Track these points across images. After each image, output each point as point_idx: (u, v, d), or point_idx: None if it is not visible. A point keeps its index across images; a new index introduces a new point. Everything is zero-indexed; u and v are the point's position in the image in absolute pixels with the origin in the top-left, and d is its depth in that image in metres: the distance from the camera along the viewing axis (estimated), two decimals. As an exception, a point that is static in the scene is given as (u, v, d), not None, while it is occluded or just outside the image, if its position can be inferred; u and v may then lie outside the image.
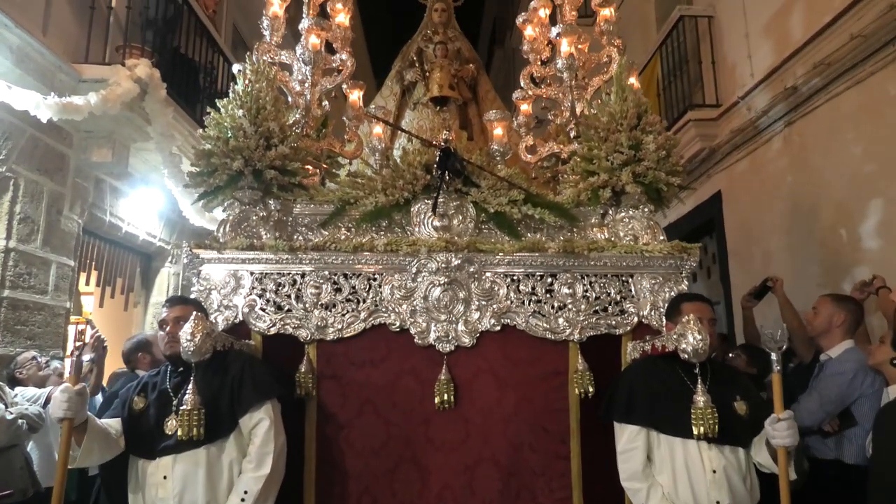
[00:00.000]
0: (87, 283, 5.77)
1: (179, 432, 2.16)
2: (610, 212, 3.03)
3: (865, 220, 4.04)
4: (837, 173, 4.26)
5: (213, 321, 2.71)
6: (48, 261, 4.76)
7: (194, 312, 2.25)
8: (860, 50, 3.85)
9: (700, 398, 2.26)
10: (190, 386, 2.21)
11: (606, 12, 3.37)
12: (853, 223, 4.14)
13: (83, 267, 5.40)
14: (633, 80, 3.38)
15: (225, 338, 2.44)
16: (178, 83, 5.60)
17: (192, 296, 2.75)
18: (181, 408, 2.18)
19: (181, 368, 2.34)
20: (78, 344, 2.30)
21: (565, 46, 3.22)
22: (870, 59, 3.84)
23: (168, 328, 2.37)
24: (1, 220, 4.32)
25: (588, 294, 2.84)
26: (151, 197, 6.01)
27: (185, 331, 2.18)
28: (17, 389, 3.72)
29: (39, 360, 4.01)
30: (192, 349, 2.15)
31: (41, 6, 4.43)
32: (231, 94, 2.95)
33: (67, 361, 4.73)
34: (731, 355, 3.85)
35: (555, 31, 3.28)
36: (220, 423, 2.28)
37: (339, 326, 2.76)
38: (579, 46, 3.56)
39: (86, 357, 3.80)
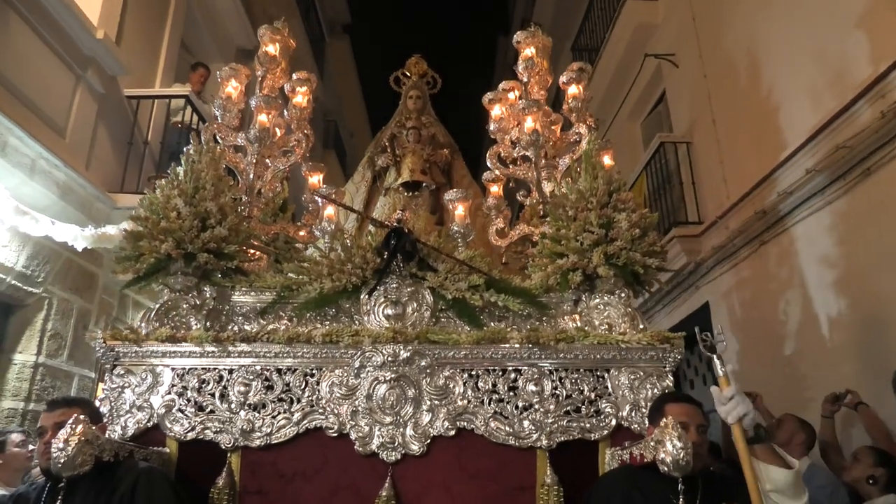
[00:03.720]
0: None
1: None
2: (583, 298, 2.72)
3: (834, 338, 4.20)
4: (805, 292, 4.51)
5: (123, 425, 2.36)
6: (71, 374, 4.95)
7: (75, 415, 1.89)
8: (815, 183, 4.29)
9: (683, 524, 1.82)
10: (60, 508, 1.82)
11: (574, 90, 3.22)
12: (823, 342, 4.31)
13: (101, 377, 5.45)
14: (606, 160, 3.19)
15: (117, 446, 2.06)
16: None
17: (101, 395, 2.41)
18: None
19: (61, 484, 1.95)
20: None
21: (530, 122, 3.04)
22: (826, 189, 4.26)
23: (47, 436, 1.99)
24: (33, 338, 4.60)
25: (557, 392, 2.47)
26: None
27: (58, 437, 1.81)
28: None
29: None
30: (62, 461, 1.78)
31: (87, 145, 4.95)
32: (171, 175, 2.77)
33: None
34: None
35: (520, 104, 3.11)
36: None
37: (268, 430, 2.38)
38: (552, 127, 3.40)
39: None
